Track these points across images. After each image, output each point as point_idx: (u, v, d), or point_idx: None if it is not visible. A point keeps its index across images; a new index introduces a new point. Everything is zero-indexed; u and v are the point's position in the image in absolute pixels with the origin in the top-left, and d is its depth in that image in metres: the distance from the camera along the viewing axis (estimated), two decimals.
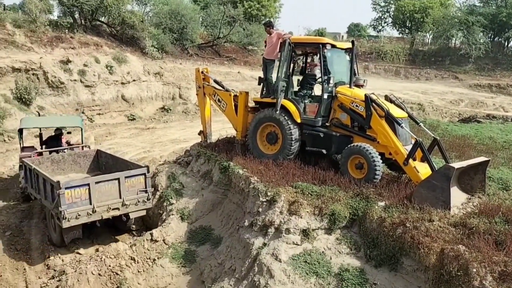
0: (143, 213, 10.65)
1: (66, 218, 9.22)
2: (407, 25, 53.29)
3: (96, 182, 9.69)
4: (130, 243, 9.64)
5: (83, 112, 23.52)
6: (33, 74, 22.22)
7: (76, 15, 30.42)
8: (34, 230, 11.28)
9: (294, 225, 7.83)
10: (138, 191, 10.31)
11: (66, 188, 9.18)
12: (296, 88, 10.87)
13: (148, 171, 10.50)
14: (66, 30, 27.53)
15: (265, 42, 11.05)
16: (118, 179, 9.96)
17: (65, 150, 12.96)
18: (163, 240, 9.75)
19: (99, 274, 8.77)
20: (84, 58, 25.18)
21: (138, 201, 10.33)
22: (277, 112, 9.92)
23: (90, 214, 9.59)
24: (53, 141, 13.62)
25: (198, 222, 10.28)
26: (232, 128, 11.94)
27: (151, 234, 9.75)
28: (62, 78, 23.14)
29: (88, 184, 9.54)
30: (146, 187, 10.40)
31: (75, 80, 23.79)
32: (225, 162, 10.54)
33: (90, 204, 9.57)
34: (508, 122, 20.18)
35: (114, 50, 28.13)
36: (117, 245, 9.39)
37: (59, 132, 13.78)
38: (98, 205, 9.67)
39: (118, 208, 10.04)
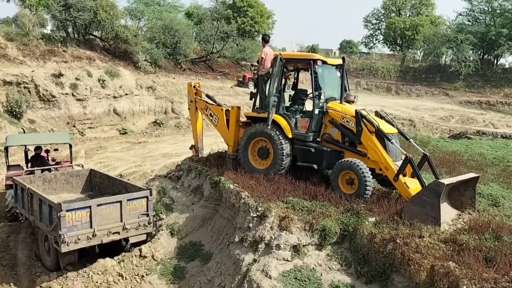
0: (143, 237, 10.13)
1: (65, 242, 8.73)
2: (398, 42, 54.09)
3: (98, 205, 9.27)
4: (118, 259, 9.46)
5: (74, 126, 23.39)
6: (24, 87, 22.15)
7: (70, 29, 30.55)
8: (21, 245, 11.07)
9: (284, 240, 7.78)
10: (139, 214, 9.90)
11: (67, 211, 8.77)
12: (287, 103, 10.90)
13: (151, 194, 10.09)
14: (59, 44, 27.58)
15: (259, 59, 11.00)
16: (120, 201, 9.57)
17: (58, 169, 12.57)
18: (152, 256, 9.61)
19: None
20: (76, 72, 25.17)
21: (139, 225, 9.90)
22: (269, 127, 9.93)
23: (90, 238, 9.15)
24: (37, 159, 13.13)
25: (188, 237, 10.16)
26: (224, 143, 11.91)
27: (140, 250, 9.60)
28: (53, 91, 23.08)
29: (90, 207, 9.13)
30: (147, 211, 9.99)
31: (66, 94, 23.73)
32: (216, 177, 10.47)
33: (91, 227, 9.10)
34: (497, 139, 20.31)
35: (107, 64, 28.18)
36: (104, 261, 9.18)
37: (39, 150, 13.25)
38: (99, 228, 9.21)
39: (118, 232, 9.59)
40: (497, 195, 9.61)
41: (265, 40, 11.27)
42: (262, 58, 10.66)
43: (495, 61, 48.98)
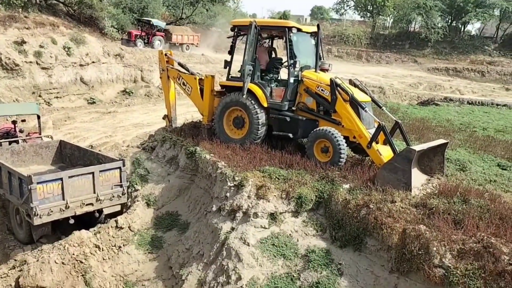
0: (118, 208, 10.19)
1: (38, 214, 8.74)
2: (369, 8, 54.02)
3: (70, 177, 9.21)
4: (94, 230, 9.41)
5: (39, 96, 22.56)
6: None
7: None
8: None
9: (261, 209, 7.91)
10: (112, 185, 9.91)
11: (38, 183, 8.68)
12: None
13: (124, 165, 10.08)
14: (20, 9, 26.14)
15: None
16: (93, 173, 9.52)
17: (26, 141, 12.25)
18: (129, 227, 9.59)
19: (63, 263, 8.52)
20: (40, 39, 24.02)
21: (113, 196, 9.95)
22: (244, 96, 9.87)
23: (63, 210, 9.15)
24: None
25: (165, 208, 10.18)
26: (198, 112, 11.80)
27: (116, 221, 9.54)
28: (16, 59, 22.03)
29: (61, 179, 9.07)
30: (121, 181, 10.01)
31: (30, 62, 22.69)
32: (192, 147, 10.43)
33: (63, 199, 9.12)
34: (464, 105, 20.99)
35: (72, 30, 26.99)
36: (80, 233, 9.10)
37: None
38: (72, 200, 9.24)
39: (92, 204, 9.62)
40: (464, 160, 9.99)
41: None
42: None
43: (463, 28, 49.80)
